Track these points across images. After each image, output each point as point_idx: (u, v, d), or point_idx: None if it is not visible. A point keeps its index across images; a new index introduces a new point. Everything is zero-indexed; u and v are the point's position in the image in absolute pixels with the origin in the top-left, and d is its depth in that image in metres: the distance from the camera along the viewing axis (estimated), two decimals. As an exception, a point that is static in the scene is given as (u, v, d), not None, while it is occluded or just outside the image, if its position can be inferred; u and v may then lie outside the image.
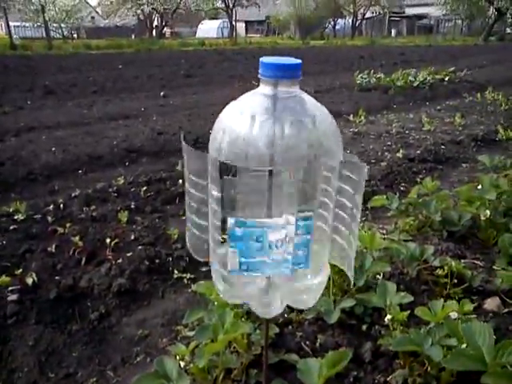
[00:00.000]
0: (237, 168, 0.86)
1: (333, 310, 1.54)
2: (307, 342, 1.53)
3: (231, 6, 30.62)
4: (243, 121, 0.83)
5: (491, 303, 1.79)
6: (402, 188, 3.16)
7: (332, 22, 37.38)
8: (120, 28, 32.78)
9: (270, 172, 0.87)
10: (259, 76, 0.86)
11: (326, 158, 0.85)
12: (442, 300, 1.45)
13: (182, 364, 1.36)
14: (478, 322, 1.28)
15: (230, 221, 0.89)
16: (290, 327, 1.61)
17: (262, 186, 0.89)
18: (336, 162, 0.86)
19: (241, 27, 40.34)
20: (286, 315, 1.67)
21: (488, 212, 2.12)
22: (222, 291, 0.98)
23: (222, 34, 35.03)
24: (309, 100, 0.87)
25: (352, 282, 1.03)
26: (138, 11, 30.50)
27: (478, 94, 6.87)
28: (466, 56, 15.38)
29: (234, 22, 28.03)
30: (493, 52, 17.00)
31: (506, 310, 1.74)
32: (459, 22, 34.70)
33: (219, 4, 32.56)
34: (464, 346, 1.26)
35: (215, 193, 0.89)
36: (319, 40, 29.32)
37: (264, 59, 0.86)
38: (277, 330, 1.52)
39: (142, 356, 1.60)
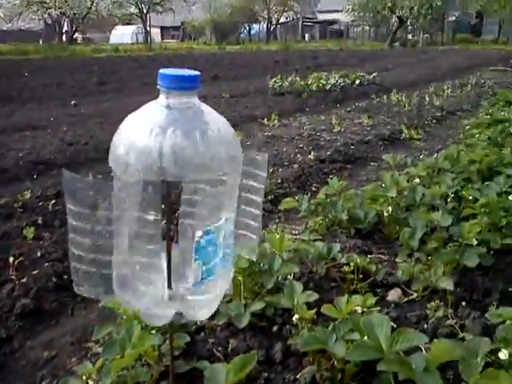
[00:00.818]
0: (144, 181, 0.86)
1: (243, 313, 1.56)
2: (219, 348, 1.54)
3: (145, 11, 30.15)
4: (140, 131, 0.84)
5: (393, 294, 1.89)
6: (313, 189, 3.26)
7: (247, 27, 37.90)
8: (25, 32, 31.14)
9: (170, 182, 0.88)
10: (158, 87, 0.87)
11: (226, 164, 0.87)
12: (347, 296, 1.52)
13: (91, 383, 1.32)
14: (377, 315, 1.35)
15: (198, 233, 0.90)
16: (202, 334, 1.61)
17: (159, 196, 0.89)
18: (235, 168, 0.89)
19: (156, 33, 39.80)
20: (198, 322, 1.67)
21: (390, 208, 2.24)
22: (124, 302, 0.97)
23: (137, 39, 34.37)
24: (206, 110, 0.89)
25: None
26: (45, 15, 29.16)
27: (385, 96, 7.25)
28: (374, 60, 16.18)
29: (148, 28, 27.59)
30: (397, 56, 18.01)
31: (406, 300, 1.85)
32: (367, 28, 36.45)
33: (133, 9, 31.92)
34: (366, 338, 1.32)
35: (117, 201, 0.88)
36: (235, 45, 29.60)
37: (162, 70, 0.87)
38: (188, 338, 1.52)
39: (48, 380, 1.52)
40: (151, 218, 0.90)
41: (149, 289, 0.94)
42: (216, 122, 0.89)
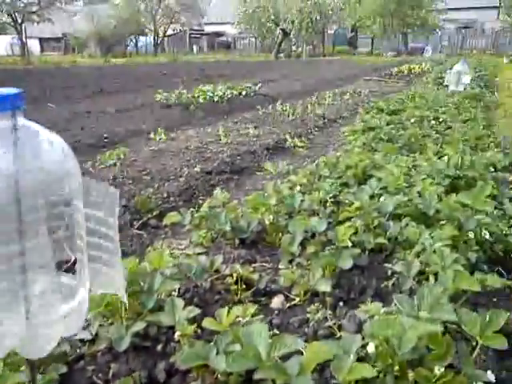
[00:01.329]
0: None
1: (124, 336, 1.51)
2: (100, 375, 1.47)
3: (19, 20, 28.35)
4: None
5: (276, 301, 1.94)
6: (200, 201, 3.25)
7: (134, 40, 37.20)
8: None
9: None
10: None
11: (60, 186, 0.83)
12: (227, 308, 1.53)
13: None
14: (256, 324, 1.38)
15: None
16: (82, 362, 1.54)
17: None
18: (73, 190, 0.85)
19: (35, 44, 37.63)
20: (78, 350, 1.59)
21: (271, 216, 2.31)
22: None
23: (13, 50, 32.24)
24: (33, 128, 0.85)
25: (126, 303, 1.03)
26: None
27: (270, 106, 7.47)
28: (260, 71, 16.67)
29: (24, 39, 25.98)
30: (282, 67, 18.71)
31: (288, 305, 1.90)
32: (253, 39, 37.49)
33: (5, 18, 29.82)
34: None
35: None
36: (121, 58, 28.90)
37: None
38: (64, 369, 1.44)
39: None
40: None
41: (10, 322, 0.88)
42: (47, 141, 0.86)
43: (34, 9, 29.76)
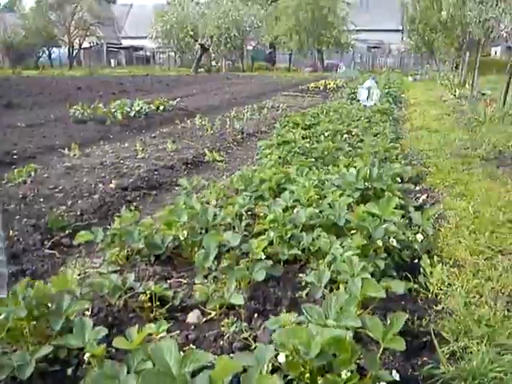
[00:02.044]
0: None
1: (28, 362, 1.45)
2: (2, 406, 1.40)
3: None
4: None
5: (192, 316, 1.95)
6: (116, 218, 3.18)
7: (47, 51, 35.69)
8: None
9: None
10: None
11: None
12: (137, 326, 1.51)
13: None
14: (165, 340, 1.37)
15: None
16: (-17, 394, 1.45)
17: None
18: None
19: None
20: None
21: (185, 232, 2.31)
22: None
23: None
24: None
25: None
26: None
27: (189, 121, 7.46)
28: (180, 85, 16.60)
29: None
30: (202, 82, 18.76)
31: (204, 320, 1.91)
32: (172, 54, 37.29)
33: None
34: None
35: None
36: (33, 69, 27.64)
37: None
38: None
39: None
40: None
41: None
42: None
43: None
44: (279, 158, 4.21)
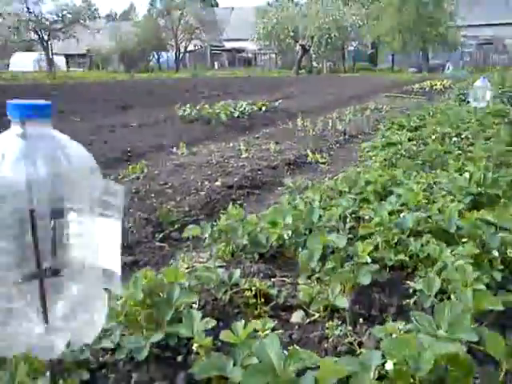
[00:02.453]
0: None
1: (143, 346, 1.53)
2: (122, 383, 1.50)
3: (46, 38, 29.12)
4: None
5: (296, 316, 1.94)
6: (221, 215, 3.28)
7: (156, 55, 37.83)
8: None
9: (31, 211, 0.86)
10: (10, 118, 0.88)
11: (77, 192, 0.87)
12: (243, 321, 1.54)
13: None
14: (269, 336, 1.38)
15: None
16: (104, 370, 1.56)
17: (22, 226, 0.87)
18: (91, 194, 0.89)
19: (61, 60, 38.53)
20: (100, 358, 1.61)
21: (290, 232, 2.32)
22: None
23: (40, 67, 33.05)
24: (58, 136, 0.90)
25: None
26: None
27: (290, 122, 7.51)
28: (281, 87, 16.77)
29: (51, 55, 26.64)
30: (302, 83, 18.81)
31: (308, 321, 1.90)
32: (273, 55, 37.81)
33: (32, 36, 30.69)
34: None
35: None
36: (144, 73, 29.40)
37: (13, 101, 0.88)
38: (87, 376, 1.46)
39: None
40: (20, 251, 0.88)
41: (22, 330, 0.91)
42: (71, 147, 0.91)
43: (59, 26, 30.56)
44: (384, 160, 4.10)
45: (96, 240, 0.92)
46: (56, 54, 31.85)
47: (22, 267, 0.91)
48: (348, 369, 1.33)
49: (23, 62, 34.62)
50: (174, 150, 5.40)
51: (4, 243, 0.86)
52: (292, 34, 31.14)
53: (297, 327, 1.90)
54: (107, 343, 1.61)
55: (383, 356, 1.41)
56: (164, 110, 9.26)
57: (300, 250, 2.39)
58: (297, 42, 31.24)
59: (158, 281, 1.73)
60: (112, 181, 0.92)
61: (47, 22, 29.81)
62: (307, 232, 2.47)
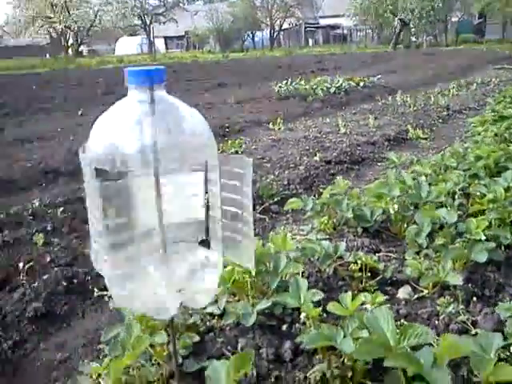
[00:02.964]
0: (114, 173, 0.87)
1: (250, 312, 1.56)
2: (228, 347, 1.54)
3: (148, 22, 30.40)
4: (113, 126, 0.88)
5: (403, 292, 1.88)
6: (320, 190, 3.24)
7: (251, 35, 38.07)
8: (31, 47, 31.48)
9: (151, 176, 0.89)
10: (126, 84, 0.90)
11: (198, 156, 0.88)
12: (351, 293, 1.51)
13: (102, 382, 1.32)
14: (381, 309, 1.34)
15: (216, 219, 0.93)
16: (212, 334, 1.61)
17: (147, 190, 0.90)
18: (210, 161, 0.90)
19: (160, 43, 40.09)
20: (207, 323, 1.67)
21: (396, 206, 2.24)
22: (117, 298, 0.98)
23: (142, 50, 34.63)
24: (175, 102, 0.91)
25: (253, 269, 1.07)
26: (50, 29, 29.50)
27: (390, 97, 7.24)
28: (378, 62, 16.18)
29: (152, 38, 27.80)
30: (401, 58, 18.00)
31: (416, 296, 1.83)
32: (369, 31, 36.50)
33: (136, 21, 32.21)
34: (375, 337, 1.31)
35: (96, 200, 0.89)
36: (239, 52, 29.73)
37: (128, 68, 0.90)
38: (197, 338, 1.52)
39: (62, 381, 1.54)
40: (143, 212, 0.91)
41: (145, 284, 0.95)
42: (187, 113, 0.91)
43: (161, 10, 31.75)
44: (495, 135, 3.82)
45: (223, 209, 0.94)
46: (156, 36, 33.13)
47: (147, 228, 0.95)
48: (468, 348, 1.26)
49: (127, 46, 36.47)
50: (271, 125, 5.42)
51: (127, 207, 0.90)
52: (391, 7, 29.76)
53: (404, 303, 1.83)
54: (214, 309, 1.67)
55: (505, 338, 1.32)
56: (260, 87, 9.32)
57: (405, 225, 2.31)
58: (395, 15, 29.85)
59: (264, 250, 1.74)
60: (240, 155, 0.93)
61: (150, 8, 31.17)
62: (414, 207, 2.38)
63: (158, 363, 1.41)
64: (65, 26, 28.74)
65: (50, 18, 28.42)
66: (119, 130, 0.85)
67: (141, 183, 0.90)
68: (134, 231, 0.92)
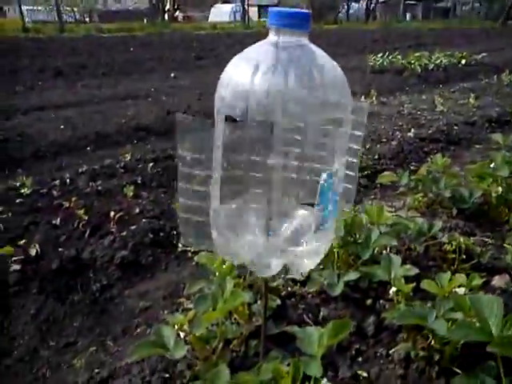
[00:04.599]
0: (240, 119, 0.83)
1: (336, 282, 1.51)
2: (309, 315, 1.50)
3: (243, -12, 30.35)
4: (246, 70, 0.82)
5: (500, 280, 1.74)
6: (412, 167, 3.09)
7: (346, 6, 36.87)
8: (132, 12, 32.63)
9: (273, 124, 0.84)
10: (267, 25, 0.84)
11: (333, 109, 0.82)
12: (449, 273, 1.41)
13: (182, 334, 1.34)
14: (487, 295, 1.24)
15: (323, 176, 0.86)
16: (293, 299, 1.59)
17: (267, 138, 0.85)
18: (344, 114, 0.84)
19: (253, 11, 39.93)
20: (289, 288, 1.64)
21: (500, 189, 2.07)
22: (221, 247, 0.96)
23: (235, 17, 34.71)
24: (316, 50, 0.85)
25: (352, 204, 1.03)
26: (151, -5, 30.35)
27: (495, 77, 6.73)
28: (483, 39, 15.09)
29: (246, 6, 27.75)
30: (509, 36, 16.65)
31: (514, 286, 1.69)
32: (477, 4, 34.03)
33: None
34: (469, 319, 1.22)
35: (219, 144, 0.86)
36: (332, 24, 28.95)
37: (274, 8, 0.84)
38: (279, 301, 1.50)
39: (143, 327, 1.58)
40: (258, 160, 0.87)
41: (251, 237, 0.92)
42: (327, 63, 0.85)
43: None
44: None
45: (339, 158, 0.88)
46: (249, 4, 33.02)
47: (256, 182, 0.91)
48: None
49: (220, 13, 36.71)
50: (363, 98, 5.22)
51: (243, 155, 0.86)
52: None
53: (499, 291, 1.70)
54: (297, 275, 1.63)
55: None
56: (354, 58, 9.01)
57: (507, 210, 2.14)
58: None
59: (357, 219, 1.67)
60: (358, 100, 0.86)
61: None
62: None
63: (238, 322, 1.41)
64: (164, -8, 29.45)
65: (151, -17, 29.23)
66: (251, 74, 0.80)
67: (259, 131, 0.85)
68: (249, 182, 0.89)
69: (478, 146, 3.78)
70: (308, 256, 0.95)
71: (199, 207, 0.94)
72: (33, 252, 1.87)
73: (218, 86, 0.86)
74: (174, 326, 1.34)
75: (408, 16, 37.93)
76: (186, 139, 0.90)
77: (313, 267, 0.98)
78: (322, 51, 0.86)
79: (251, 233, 0.91)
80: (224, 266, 1.41)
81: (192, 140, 0.89)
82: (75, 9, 28.49)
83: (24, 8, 19.44)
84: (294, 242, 0.93)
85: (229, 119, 0.84)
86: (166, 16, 31.01)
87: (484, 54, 8.77)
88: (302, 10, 0.85)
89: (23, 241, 1.97)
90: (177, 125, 0.89)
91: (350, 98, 0.87)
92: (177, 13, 32.48)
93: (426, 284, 1.38)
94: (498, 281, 1.75)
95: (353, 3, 37.01)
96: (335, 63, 0.86)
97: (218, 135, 0.86)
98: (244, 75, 0.81)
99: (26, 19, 20.02)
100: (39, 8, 28.21)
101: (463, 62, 7.99)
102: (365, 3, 35.97)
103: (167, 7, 32.46)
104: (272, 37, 0.85)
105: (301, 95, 0.79)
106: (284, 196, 0.90)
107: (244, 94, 0.80)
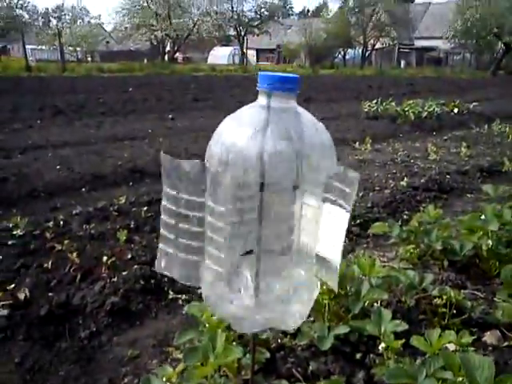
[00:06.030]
0: (227, 179, 0.86)
1: (326, 336, 1.50)
2: (299, 369, 1.49)
3: (243, 33, 31.18)
4: (236, 131, 0.86)
5: (491, 336, 1.73)
6: (404, 216, 3.12)
7: (342, 52, 37.86)
8: (133, 52, 33.38)
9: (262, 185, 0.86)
10: (257, 88, 0.88)
11: (314, 172, 0.84)
12: (439, 330, 1.41)
13: (170, 387, 1.32)
14: (478, 355, 1.23)
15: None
16: (282, 352, 1.57)
17: (254, 200, 0.88)
18: (325, 177, 0.86)
19: (252, 55, 40.94)
20: (279, 340, 1.63)
21: (490, 242, 2.08)
22: (209, 300, 0.96)
23: (233, 60, 35.54)
24: (303, 114, 0.88)
25: (336, 290, 1.03)
26: (152, 36, 31.10)
27: (485, 126, 6.87)
28: (474, 89, 15.47)
29: (245, 50, 28.44)
30: (501, 86, 17.09)
31: (506, 344, 1.68)
32: (468, 55, 35.03)
33: (231, 32, 33.18)
34: (460, 379, 1.21)
35: (210, 204, 0.89)
36: (329, 69, 29.66)
37: (264, 72, 0.88)
38: (268, 354, 1.48)
39: (130, 377, 1.56)
40: (247, 218, 0.89)
41: (237, 295, 0.93)
42: (315, 126, 0.88)
43: (256, 23, 32.49)
44: None
45: (321, 228, 0.89)
46: (248, 48, 33.87)
47: (244, 241, 0.93)
48: None
49: (219, 56, 37.60)
50: (357, 145, 5.31)
51: (231, 215, 0.89)
52: (496, 30, 28.20)
53: (490, 348, 1.69)
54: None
55: None
56: (348, 105, 9.21)
57: (498, 263, 2.15)
58: (500, 39, 28.28)
59: (348, 272, 1.68)
60: (348, 168, 0.88)
61: (246, 19, 32.03)
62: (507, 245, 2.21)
63: (227, 375, 1.39)
64: (165, 34, 30.16)
65: (153, 25, 30.00)
66: (242, 136, 0.84)
67: (245, 191, 0.88)
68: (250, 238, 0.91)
69: (469, 195, 3.82)
70: (291, 314, 0.96)
71: (179, 242, 0.97)
72: (22, 296, 1.85)
73: (211, 144, 0.90)
74: (162, 379, 1.33)
75: (402, 63, 38.94)
76: (169, 177, 0.94)
77: (297, 325, 0.99)
78: (309, 114, 0.90)
79: (237, 290, 0.92)
80: (214, 317, 1.40)
81: (176, 178, 0.93)
82: (78, 49, 29.14)
83: (28, 47, 19.86)
84: (277, 302, 0.94)
85: (218, 176, 0.87)
86: (166, 57, 31.70)
87: (475, 104, 8.97)
88: (291, 75, 0.89)
89: (13, 285, 1.96)
90: (161, 164, 0.92)
91: (334, 160, 0.90)
92: (177, 54, 33.21)
93: (415, 341, 1.38)
94: (489, 337, 1.74)
95: (349, 49, 38.01)
96: (321, 125, 0.90)
97: (206, 194, 0.89)
98: (237, 136, 0.85)
99: (30, 58, 20.42)
100: (43, 47, 28.86)
101: (455, 110, 8.17)
102: (360, 49, 36.94)
103: (167, 48, 33.24)
104: (262, 99, 0.88)
105: (284, 158, 0.82)
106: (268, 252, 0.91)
107: (237, 153, 0.84)
